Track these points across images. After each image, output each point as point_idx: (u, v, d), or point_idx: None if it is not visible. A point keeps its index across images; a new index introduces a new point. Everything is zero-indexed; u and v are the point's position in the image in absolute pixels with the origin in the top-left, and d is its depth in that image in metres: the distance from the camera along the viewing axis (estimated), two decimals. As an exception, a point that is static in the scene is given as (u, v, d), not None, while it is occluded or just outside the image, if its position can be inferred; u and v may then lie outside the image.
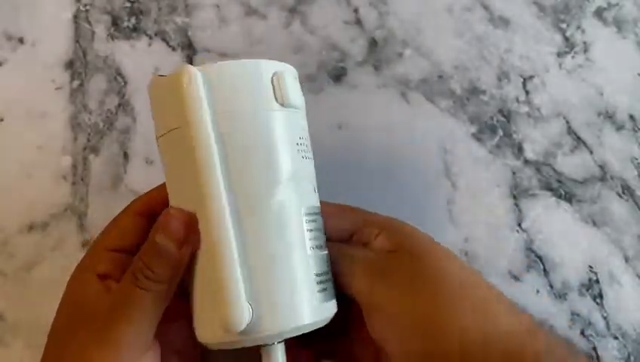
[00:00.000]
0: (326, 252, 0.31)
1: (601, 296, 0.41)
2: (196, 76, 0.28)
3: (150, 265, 0.29)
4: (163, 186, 0.32)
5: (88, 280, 0.31)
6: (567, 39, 0.46)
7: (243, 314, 0.27)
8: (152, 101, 0.31)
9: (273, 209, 0.29)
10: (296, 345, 0.31)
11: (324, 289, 0.30)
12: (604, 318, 0.41)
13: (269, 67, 0.30)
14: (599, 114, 0.45)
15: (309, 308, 0.29)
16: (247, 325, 0.27)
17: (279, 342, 0.30)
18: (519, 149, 0.44)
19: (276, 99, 0.29)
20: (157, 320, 0.29)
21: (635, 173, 0.44)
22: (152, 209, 0.32)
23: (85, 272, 0.31)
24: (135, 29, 0.46)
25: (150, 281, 0.29)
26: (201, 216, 0.28)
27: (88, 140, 0.43)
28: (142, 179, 0.42)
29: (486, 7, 0.47)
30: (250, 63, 0.30)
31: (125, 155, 0.43)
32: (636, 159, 0.44)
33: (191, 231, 0.29)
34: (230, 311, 0.27)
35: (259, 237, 0.28)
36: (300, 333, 0.29)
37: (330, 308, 0.30)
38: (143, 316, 0.29)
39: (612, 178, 0.44)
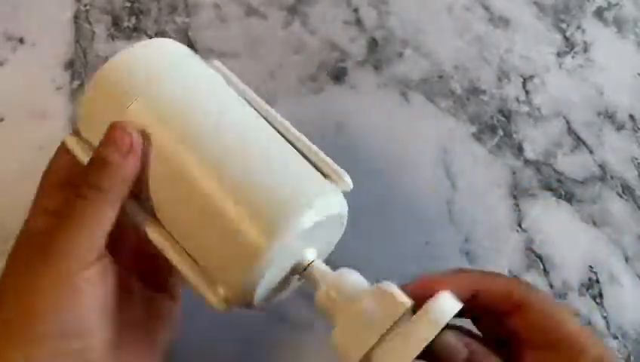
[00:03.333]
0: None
1: (601, 295, 0.41)
2: None
3: (91, 175, 0.29)
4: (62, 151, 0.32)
5: (37, 215, 0.31)
6: (567, 39, 0.46)
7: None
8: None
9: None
10: None
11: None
12: (604, 318, 0.41)
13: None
14: (599, 114, 0.45)
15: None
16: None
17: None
18: (519, 149, 0.44)
19: None
20: (102, 231, 0.29)
21: (635, 173, 0.44)
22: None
23: (35, 210, 0.31)
24: (135, 29, 0.46)
25: (91, 190, 0.29)
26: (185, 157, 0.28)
27: (88, 140, 0.43)
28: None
29: (486, 7, 0.47)
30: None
31: (125, 155, 0.43)
32: (636, 159, 0.44)
33: (134, 142, 0.29)
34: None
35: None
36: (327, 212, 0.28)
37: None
38: (84, 226, 0.28)
39: (612, 178, 0.44)
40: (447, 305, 0.26)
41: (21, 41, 0.45)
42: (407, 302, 0.27)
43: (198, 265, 0.30)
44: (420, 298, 0.27)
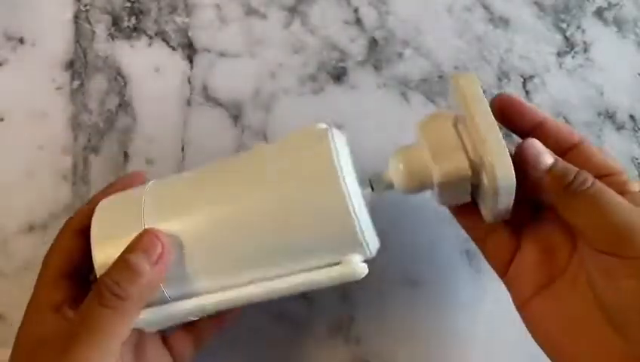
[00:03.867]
0: None
1: (601, 295, 0.41)
2: None
3: (119, 282, 0.28)
4: (93, 201, 0.32)
5: (43, 313, 0.30)
6: (567, 39, 0.46)
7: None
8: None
9: None
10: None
11: None
12: (605, 318, 0.40)
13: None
14: (599, 114, 0.45)
15: None
16: None
17: None
18: (519, 149, 0.44)
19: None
20: (120, 340, 0.28)
21: (635, 173, 0.44)
22: (88, 225, 0.32)
23: (38, 307, 0.31)
24: (135, 29, 0.46)
25: (116, 298, 0.28)
26: None
27: (88, 140, 0.43)
28: (142, 179, 0.42)
29: (486, 7, 0.47)
30: None
31: (125, 155, 0.43)
32: (636, 159, 0.44)
33: (165, 251, 0.28)
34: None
35: None
36: None
37: None
38: (105, 336, 0.28)
39: (612, 178, 0.44)
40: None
41: (21, 41, 0.45)
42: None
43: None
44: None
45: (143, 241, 0.29)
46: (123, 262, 0.29)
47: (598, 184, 0.29)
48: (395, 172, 0.31)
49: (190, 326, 0.35)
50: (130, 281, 0.28)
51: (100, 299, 0.28)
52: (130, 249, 0.29)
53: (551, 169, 0.29)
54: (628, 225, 0.28)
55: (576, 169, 0.29)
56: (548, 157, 0.30)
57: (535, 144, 0.30)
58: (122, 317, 0.28)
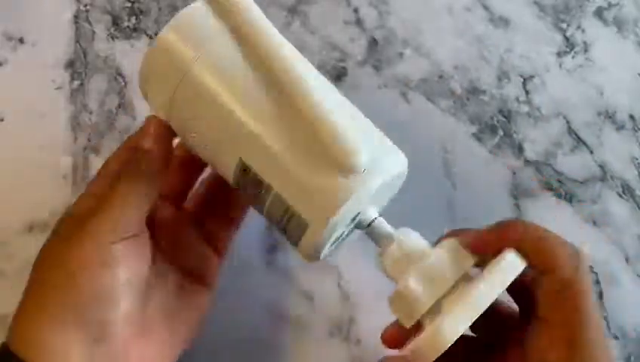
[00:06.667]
0: None
1: (601, 296, 0.41)
2: None
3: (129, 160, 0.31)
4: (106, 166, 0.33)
5: (83, 198, 0.32)
6: (567, 39, 0.46)
7: (358, 147, 0.28)
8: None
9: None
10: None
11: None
12: (604, 318, 0.41)
13: None
14: (599, 114, 0.45)
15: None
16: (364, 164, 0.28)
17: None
18: (519, 149, 0.44)
19: None
20: (139, 209, 0.30)
21: (635, 173, 0.44)
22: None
23: (82, 195, 0.32)
24: (135, 29, 0.46)
25: (128, 172, 0.31)
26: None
27: (89, 140, 0.43)
28: (142, 179, 0.42)
29: (486, 7, 0.47)
30: None
31: (125, 155, 0.43)
32: (636, 159, 0.44)
33: (167, 132, 0.32)
34: (346, 145, 0.28)
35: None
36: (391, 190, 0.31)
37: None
38: (123, 202, 0.30)
39: (612, 178, 0.44)
40: (514, 264, 0.28)
41: (21, 41, 0.45)
42: (473, 257, 0.29)
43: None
44: (479, 250, 0.29)
45: (146, 127, 0.32)
46: (131, 144, 0.32)
47: None
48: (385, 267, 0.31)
49: (221, 208, 0.36)
50: (139, 157, 0.31)
51: (117, 174, 0.31)
52: (137, 132, 0.33)
53: None
54: None
55: None
56: None
57: None
58: (136, 187, 0.30)
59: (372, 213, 0.31)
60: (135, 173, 0.31)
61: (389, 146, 0.31)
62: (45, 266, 0.30)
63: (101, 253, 0.29)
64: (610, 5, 0.47)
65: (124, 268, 0.29)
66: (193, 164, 0.36)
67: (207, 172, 0.37)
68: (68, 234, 0.30)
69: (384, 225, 0.31)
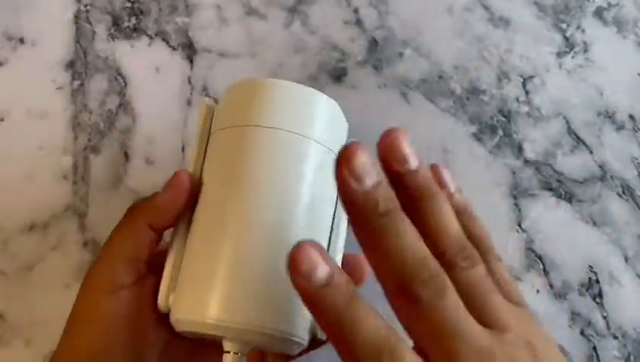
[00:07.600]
0: None
1: (601, 295, 0.41)
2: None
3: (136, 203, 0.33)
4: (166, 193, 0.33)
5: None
6: (567, 39, 0.46)
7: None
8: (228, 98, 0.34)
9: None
10: None
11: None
12: (604, 318, 0.41)
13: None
14: (599, 114, 0.45)
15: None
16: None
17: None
18: (519, 149, 0.44)
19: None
20: (129, 260, 0.31)
21: (635, 173, 0.44)
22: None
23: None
24: (135, 29, 0.46)
25: (130, 213, 0.33)
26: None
27: (89, 140, 0.43)
28: (142, 179, 0.42)
29: (486, 7, 0.47)
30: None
31: (125, 155, 0.43)
32: (636, 159, 0.44)
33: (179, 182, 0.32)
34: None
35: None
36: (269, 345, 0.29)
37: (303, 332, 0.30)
38: (115, 255, 0.32)
39: (612, 178, 0.44)
40: None
41: (21, 41, 0.45)
42: None
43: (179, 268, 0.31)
44: None
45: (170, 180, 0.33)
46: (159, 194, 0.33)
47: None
48: None
49: None
50: (144, 201, 0.33)
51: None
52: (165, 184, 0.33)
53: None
54: None
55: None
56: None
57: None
58: (130, 231, 0.32)
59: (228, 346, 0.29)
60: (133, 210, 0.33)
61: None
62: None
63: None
64: (610, 5, 0.47)
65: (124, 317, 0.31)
66: None
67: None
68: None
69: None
